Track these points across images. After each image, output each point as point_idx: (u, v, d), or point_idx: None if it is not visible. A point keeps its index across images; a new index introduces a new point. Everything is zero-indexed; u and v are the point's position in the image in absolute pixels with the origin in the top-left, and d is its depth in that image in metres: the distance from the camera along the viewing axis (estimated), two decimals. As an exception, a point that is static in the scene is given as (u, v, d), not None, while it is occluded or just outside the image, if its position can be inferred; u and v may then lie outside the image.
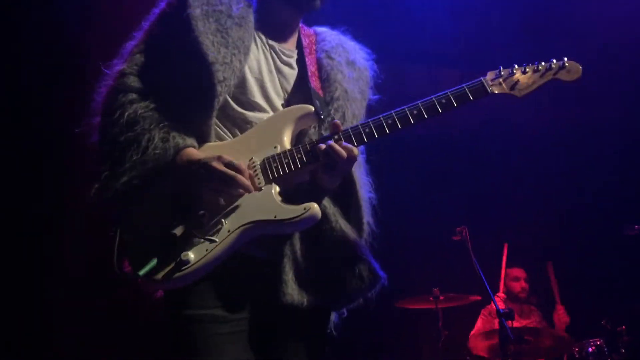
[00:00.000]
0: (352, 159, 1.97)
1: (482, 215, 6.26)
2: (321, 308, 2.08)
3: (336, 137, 1.99)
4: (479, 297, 5.48)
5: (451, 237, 5.24)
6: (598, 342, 5.08)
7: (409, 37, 5.48)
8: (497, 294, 5.95)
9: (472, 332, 5.80)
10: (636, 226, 5.11)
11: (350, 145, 1.97)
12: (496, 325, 5.66)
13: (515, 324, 5.23)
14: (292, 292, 1.98)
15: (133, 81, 2.02)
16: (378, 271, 2.11)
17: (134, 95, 2.00)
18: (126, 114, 1.96)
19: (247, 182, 1.92)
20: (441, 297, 5.25)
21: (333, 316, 2.22)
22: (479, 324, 5.90)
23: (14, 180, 4.39)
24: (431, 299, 5.25)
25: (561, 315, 5.94)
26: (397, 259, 2.15)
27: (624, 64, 5.85)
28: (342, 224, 2.09)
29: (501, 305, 5.54)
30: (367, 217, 2.16)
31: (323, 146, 1.96)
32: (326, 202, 2.08)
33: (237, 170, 1.90)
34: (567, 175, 6.57)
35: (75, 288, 4.50)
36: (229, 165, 1.90)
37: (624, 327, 5.14)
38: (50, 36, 4.45)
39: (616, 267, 6.24)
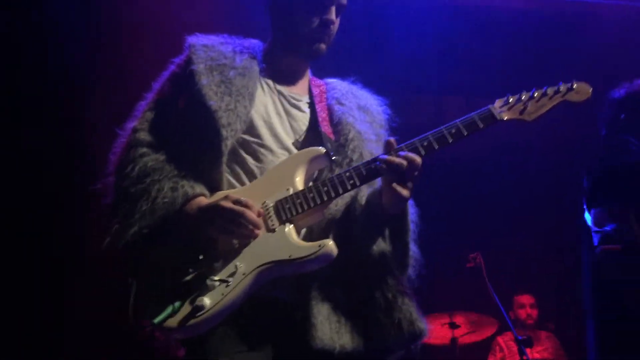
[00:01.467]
0: (415, 166, 1.94)
1: (495, 241, 6.24)
2: (354, 358, 1.98)
3: (392, 153, 1.99)
4: (496, 323, 5.43)
5: (465, 265, 5.24)
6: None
7: (411, 68, 5.54)
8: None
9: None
10: None
11: (411, 154, 1.95)
12: (514, 354, 5.62)
13: (530, 354, 5.16)
14: (323, 336, 1.91)
15: (144, 135, 2.09)
16: (421, 322, 2.01)
17: (144, 149, 2.06)
18: (137, 167, 2.01)
19: (256, 218, 1.94)
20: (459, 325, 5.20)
21: None
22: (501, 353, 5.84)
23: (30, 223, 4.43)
24: (447, 326, 5.19)
25: None
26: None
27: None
28: (388, 260, 2.05)
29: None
30: (413, 245, 2.12)
31: (381, 160, 1.95)
32: (370, 238, 2.05)
33: (245, 206, 1.92)
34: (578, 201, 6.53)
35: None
36: (237, 202, 1.92)
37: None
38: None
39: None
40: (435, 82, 5.88)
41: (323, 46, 2.21)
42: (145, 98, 2.19)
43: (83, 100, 4.61)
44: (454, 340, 5.26)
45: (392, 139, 2.02)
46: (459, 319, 5.28)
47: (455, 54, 5.58)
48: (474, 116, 2.03)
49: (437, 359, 5.58)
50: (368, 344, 1.98)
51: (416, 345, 2.05)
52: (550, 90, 2.05)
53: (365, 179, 2.01)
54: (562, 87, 2.05)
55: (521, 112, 2.04)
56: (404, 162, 1.94)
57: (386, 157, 1.96)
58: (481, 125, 2.01)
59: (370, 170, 2.00)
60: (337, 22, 2.23)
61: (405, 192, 1.97)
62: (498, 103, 2.06)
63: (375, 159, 2.00)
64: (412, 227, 2.13)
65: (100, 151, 2.22)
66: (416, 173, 1.97)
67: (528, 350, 4.66)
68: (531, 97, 2.05)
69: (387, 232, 2.10)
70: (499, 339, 5.94)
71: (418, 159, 1.96)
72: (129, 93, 2.29)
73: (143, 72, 2.29)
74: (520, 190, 6.48)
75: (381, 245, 2.08)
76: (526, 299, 6.08)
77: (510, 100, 2.06)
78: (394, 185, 1.95)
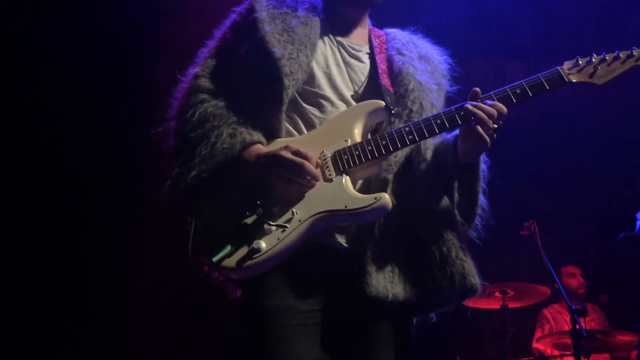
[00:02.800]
0: (502, 116, 1.95)
1: (551, 210, 6.12)
2: (406, 309, 2.02)
3: (479, 101, 1.99)
4: (547, 290, 5.37)
5: (519, 232, 5.16)
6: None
7: (475, 29, 5.42)
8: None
9: (536, 336, 5.70)
10: None
11: (498, 104, 1.96)
12: (560, 325, 5.57)
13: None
14: (377, 284, 1.94)
15: (205, 82, 2.12)
16: (474, 277, 2.01)
17: (205, 95, 2.09)
18: (197, 112, 2.05)
19: (315, 170, 1.96)
20: (510, 292, 5.18)
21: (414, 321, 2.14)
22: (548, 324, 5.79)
23: (93, 185, 4.59)
24: (498, 294, 5.18)
25: None
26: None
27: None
28: (448, 214, 2.06)
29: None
30: (482, 197, 2.12)
31: (470, 107, 1.95)
32: (432, 191, 2.06)
33: (305, 157, 1.95)
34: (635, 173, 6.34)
35: (156, 287, 4.66)
36: (297, 153, 1.95)
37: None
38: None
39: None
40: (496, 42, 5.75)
41: None
42: (207, 45, 2.22)
43: (146, 47, 4.71)
44: (503, 306, 5.22)
45: (477, 89, 2.01)
46: (509, 288, 5.23)
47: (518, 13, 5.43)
48: (540, 77, 1.99)
49: (486, 322, 5.57)
50: (420, 295, 2.01)
51: (467, 299, 2.06)
52: (622, 54, 2.00)
53: (425, 135, 2.00)
54: (636, 52, 1.99)
55: (591, 75, 1.99)
56: (494, 111, 1.94)
57: (476, 104, 1.95)
58: (548, 87, 1.97)
59: (429, 125, 1.98)
60: None
61: (487, 140, 1.97)
62: (567, 65, 2.01)
63: (459, 107, 1.99)
64: (482, 176, 2.13)
65: (162, 95, 2.26)
66: (501, 123, 1.97)
67: (581, 320, 4.58)
68: (602, 60, 2.00)
69: (456, 184, 2.09)
70: (545, 312, 5.90)
71: (505, 109, 1.95)
72: (191, 40, 2.33)
73: (205, 20, 2.31)
74: (582, 160, 6.33)
75: (443, 198, 2.08)
76: (574, 270, 6.00)
77: (580, 62, 2.01)
78: (479, 131, 1.94)
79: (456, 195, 2.09)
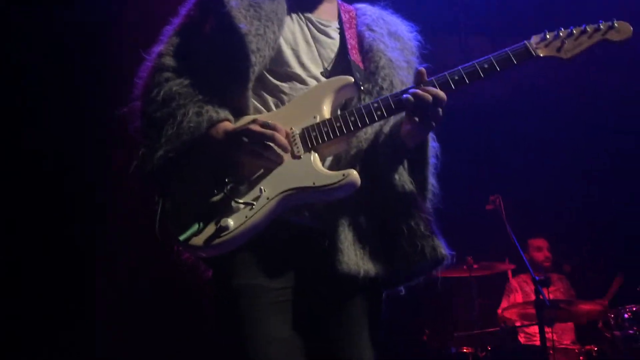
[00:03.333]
0: (440, 101, 1.93)
1: (515, 184, 6.23)
2: (375, 284, 2.02)
3: (420, 85, 1.97)
4: (512, 266, 5.50)
5: (485, 207, 5.25)
6: (634, 309, 5.07)
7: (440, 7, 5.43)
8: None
9: (502, 306, 5.84)
10: None
11: (435, 89, 1.93)
12: (528, 294, 5.71)
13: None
14: (349, 260, 1.93)
15: (169, 60, 2.08)
16: (443, 248, 2.01)
17: (169, 74, 2.06)
18: (162, 91, 2.01)
19: (285, 141, 1.95)
20: (475, 266, 5.29)
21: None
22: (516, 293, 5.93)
23: (57, 168, 4.49)
24: (465, 267, 5.29)
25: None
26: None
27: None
28: (409, 191, 2.05)
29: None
30: (432, 178, 2.12)
31: (408, 95, 1.92)
32: (393, 168, 2.05)
33: (274, 129, 1.93)
34: (599, 145, 6.48)
35: (124, 272, 4.62)
36: (265, 125, 1.93)
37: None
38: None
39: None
40: (463, 19, 5.78)
41: None
42: (171, 23, 2.18)
43: (109, 26, 4.61)
44: (470, 278, 5.34)
45: (422, 69, 2.00)
46: (475, 265, 5.33)
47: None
48: (507, 51, 1.98)
49: (454, 294, 5.68)
50: (391, 269, 2.02)
51: (436, 271, 2.07)
52: (589, 28, 1.99)
53: (393, 111, 2.00)
54: (603, 25, 1.98)
55: (558, 50, 1.99)
56: (429, 97, 1.92)
57: (413, 90, 1.94)
58: (515, 61, 1.97)
59: (398, 101, 1.98)
60: None
61: (424, 127, 1.96)
62: (534, 39, 2.01)
63: (403, 91, 1.98)
64: (432, 161, 2.13)
65: (126, 76, 2.23)
66: (440, 109, 1.95)
67: (545, 290, 4.71)
68: (570, 35, 1.99)
69: (406, 164, 2.10)
70: (513, 281, 6.03)
71: (442, 95, 1.93)
72: (156, 18, 2.29)
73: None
74: (544, 134, 6.44)
75: (404, 175, 2.09)
76: (542, 242, 6.14)
77: (548, 36, 2.00)
78: (414, 118, 1.94)
79: (409, 176, 2.09)
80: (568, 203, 6.53)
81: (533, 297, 4.91)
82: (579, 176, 6.49)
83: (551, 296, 5.69)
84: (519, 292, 5.94)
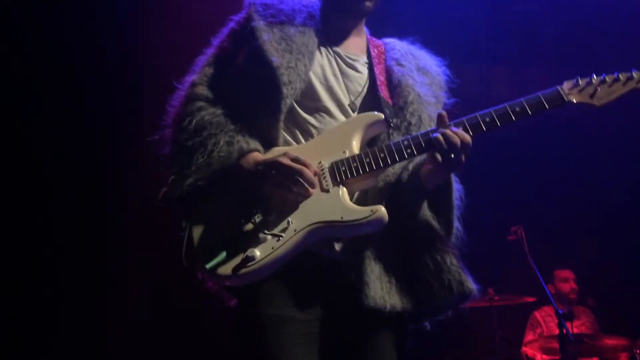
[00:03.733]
0: (466, 146, 1.93)
1: (537, 215, 6.17)
2: (403, 318, 2.03)
3: (444, 127, 1.97)
4: (533, 299, 5.41)
5: (506, 237, 5.20)
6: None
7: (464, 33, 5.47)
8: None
9: (526, 340, 5.74)
10: None
11: (463, 133, 1.94)
12: (551, 328, 5.60)
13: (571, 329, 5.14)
14: (375, 295, 1.94)
15: (202, 90, 2.12)
16: (470, 282, 2.02)
17: (202, 103, 2.09)
18: (195, 120, 2.05)
19: (313, 177, 1.96)
20: (496, 298, 5.21)
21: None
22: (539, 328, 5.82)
23: (78, 186, 4.55)
24: (486, 299, 5.21)
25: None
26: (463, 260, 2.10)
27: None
28: (434, 227, 2.06)
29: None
30: (456, 222, 2.11)
31: (438, 134, 1.93)
32: (417, 206, 2.06)
33: (304, 164, 1.95)
34: (622, 177, 6.42)
35: (143, 294, 4.64)
36: (296, 160, 1.95)
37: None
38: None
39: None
40: (484, 49, 5.80)
41: (369, 4, 2.20)
42: (204, 53, 2.22)
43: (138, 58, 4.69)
44: (491, 307, 5.26)
45: (443, 112, 2.01)
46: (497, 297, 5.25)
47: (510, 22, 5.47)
48: (540, 96, 1.99)
49: (475, 319, 5.58)
50: (417, 304, 2.01)
51: (463, 305, 2.06)
52: (622, 76, 2.00)
53: (423, 149, 2.00)
54: (636, 74, 2.00)
55: (591, 96, 1.99)
56: (458, 140, 1.92)
57: (443, 130, 1.94)
58: (547, 106, 1.98)
59: (429, 140, 1.98)
60: None
61: (445, 169, 1.97)
62: (567, 85, 2.02)
63: (433, 130, 1.99)
64: (456, 203, 2.12)
65: (156, 104, 2.26)
66: (464, 154, 1.95)
67: (568, 324, 4.62)
68: (602, 82, 2.01)
69: (428, 204, 2.09)
70: (536, 314, 5.93)
71: (468, 139, 1.94)
72: (186, 49, 2.33)
73: (201, 29, 2.31)
74: (566, 162, 6.39)
75: (427, 212, 2.08)
76: (568, 274, 6.04)
77: (580, 82, 2.01)
78: (438, 159, 1.94)
79: (433, 215, 2.09)
80: (593, 234, 6.44)
81: (557, 332, 4.81)
82: (604, 205, 6.42)
83: (576, 330, 5.60)
84: (543, 325, 5.82)
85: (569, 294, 5.97)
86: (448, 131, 1.94)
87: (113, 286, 4.64)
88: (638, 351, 5.01)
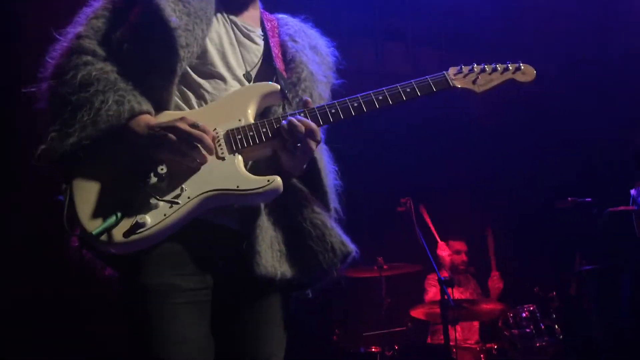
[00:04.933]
0: (311, 134, 1.97)
1: (426, 187, 6.44)
2: (291, 285, 2.08)
3: (301, 114, 2.01)
4: (419, 267, 5.68)
5: (396, 208, 5.40)
6: (531, 308, 5.37)
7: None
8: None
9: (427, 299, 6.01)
10: (569, 199, 5.39)
11: (310, 122, 1.98)
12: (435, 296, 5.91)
13: (455, 295, 5.45)
14: (266, 263, 1.96)
15: (90, 43, 1.97)
16: (349, 244, 2.11)
17: (89, 57, 1.95)
18: (80, 74, 1.91)
19: (212, 144, 1.92)
20: (385, 267, 5.41)
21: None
22: (431, 293, 6.11)
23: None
24: (375, 267, 5.40)
25: (495, 281, 6.23)
26: (342, 229, 2.19)
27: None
28: (311, 199, 2.10)
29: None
30: (333, 203, 2.18)
31: (285, 122, 1.97)
32: (295, 179, 2.09)
33: (203, 131, 1.90)
34: (507, 150, 6.84)
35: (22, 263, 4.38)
36: (194, 125, 1.89)
37: (554, 293, 5.46)
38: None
39: (548, 237, 6.58)
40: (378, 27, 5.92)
41: None
42: (90, 5, 2.07)
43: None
44: (380, 277, 5.46)
45: (307, 99, 2.06)
46: (385, 265, 5.45)
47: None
48: (428, 79, 2.11)
49: (364, 290, 5.78)
50: (306, 270, 2.06)
51: (343, 267, 2.13)
52: (500, 67, 2.20)
53: (318, 123, 2.03)
54: (511, 66, 2.20)
55: (473, 82, 2.17)
56: (302, 130, 1.96)
57: (289, 119, 1.96)
58: (435, 89, 2.11)
59: (324, 114, 2.03)
60: None
61: (294, 157, 2.00)
62: (452, 70, 2.18)
63: (291, 114, 2.01)
64: (332, 184, 2.20)
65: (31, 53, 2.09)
66: (313, 141, 1.99)
67: (449, 290, 4.89)
68: (482, 70, 2.19)
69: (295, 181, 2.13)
70: (430, 278, 6.20)
71: (313, 126, 1.97)
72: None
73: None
74: (459, 139, 6.70)
75: (302, 184, 2.13)
76: (461, 245, 6.37)
77: (463, 69, 2.18)
78: (282, 150, 1.99)
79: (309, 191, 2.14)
80: (480, 205, 6.81)
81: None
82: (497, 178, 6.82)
83: (461, 296, 5.94)
84: (429, 293, 6.12)
85: (459, 265, 6.31)
86: (293, 120, 1.96)
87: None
88: (510, 314, 5.41)
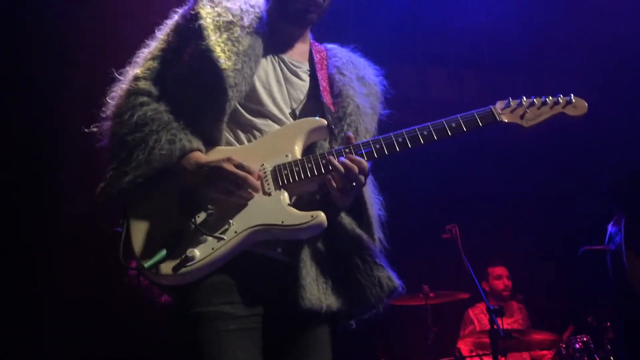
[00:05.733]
0: (362, 171, 2.00)
1: (472, 213, 6.35)
2: (334, 317, 2.09)
3: (347, 150, 2.03)
4: (467, 295, 5.57)
5: (441, 235, 5.32)
6: (585, 339, 5.19)
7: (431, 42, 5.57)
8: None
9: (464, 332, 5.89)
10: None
11: (360, 159, 2.01)
12: (484, 325, 5.78)
13: (501, 324, 5.30)
14: (311, 296, 1.99)
15: (145, 84, 2.08)
16: (396, 279, 2.12)
17: (145, 98, 2.05)
18: (136, 115, 2.01)
19: (257, 183, 1.98)
20: (431, 295, 5.33)
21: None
22: (472, 325, 5.98)
23: (11, 178, 4.37)
24: (421, 295, 5.33)
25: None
26: (387, 256, 2.20)
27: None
28: (358, 231, 2.12)
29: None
30: (378, 233, 2.19)
31: (334, 160, 2.00)
32: (342, 212, 2.11)
33: (247, 171, 1.95)
34: (555, 173, 6.70)
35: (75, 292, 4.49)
36: (239, 166, 1.94)
37: (608, 323, 5.26)
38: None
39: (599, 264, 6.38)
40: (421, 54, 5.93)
41: (313, 16, 2.22)
42: (147, 45, 2.18)
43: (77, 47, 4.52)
44: (426, 305, 5.37)
45: (350, 134, 2.07)
46: (431, 293, 5.37)
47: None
48: (474, 113, 2.09)
49: (410, 318, 5.69)
50: (352, 303, 2.08)
51: (388, 302, 2.14)
52: (550, 100, 2.12)
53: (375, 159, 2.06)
54: (562, 99, 2.12)
55: (521, 117, 2.11)
56: (354, 167, 1.98)
57: (344, 161, 1.98)
58: (481, 124, 2.08)
59: (377, 148, 2.04)
60: None
61: (345, 194, 2.02)
62: (499, 104, 2.13)
63: (336, 150, 2.03)
64: (377, 215, 2.21)
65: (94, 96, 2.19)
66: (363, 176, 2.01)
67: (499, 320, 4.77)
68: (531, 104, 2.12)
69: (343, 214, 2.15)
70: (470, 312, 6.09)
71: (364, 164, 2.00)
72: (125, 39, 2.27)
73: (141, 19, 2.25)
74: (498, 166, 6.60)
75: (351, 220, 2.15)
76: (502, 271, 6.22)
77: (512, 103, 2.13)
78: (332, 183, 1.99)
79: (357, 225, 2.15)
80: (526, 232, 6.67)
81: (487, 329, 4.96)
82: (535, 203, 6.68)
83: (510, 326, 5.79)
84: (476, 323, 5.99)
85: (503, 290, 6.15)
86: (346, 162, 1.98)
87: (46, 286, 4.48)
88: (563, 345, 5.24)
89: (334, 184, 2.00)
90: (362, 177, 2.01)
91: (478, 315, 6.01)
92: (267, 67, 2.19)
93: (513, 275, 6.25)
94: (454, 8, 5.60)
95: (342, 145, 2.07)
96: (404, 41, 5.66)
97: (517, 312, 6.14)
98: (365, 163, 2.01)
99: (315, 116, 2.13)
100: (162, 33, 2.18)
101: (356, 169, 1.98)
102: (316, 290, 2.01)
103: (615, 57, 5.88)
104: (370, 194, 2.22)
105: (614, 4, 5.60)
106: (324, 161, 2.03)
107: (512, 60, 6.18)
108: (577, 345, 5.13)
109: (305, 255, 2.04)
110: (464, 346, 5.58)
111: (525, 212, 6.74)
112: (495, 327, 4.75)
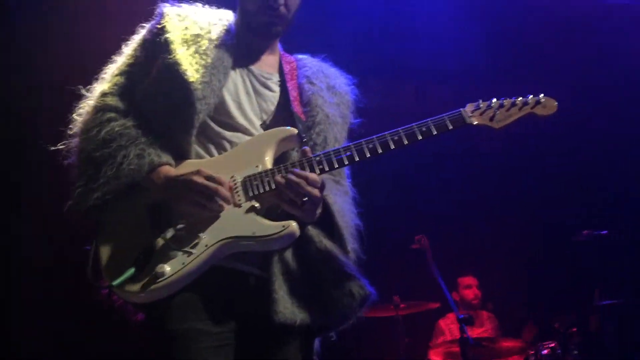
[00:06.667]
0: (313, 184, 1.96)
1: (441, 223, 6.41)
2: (310, 330, 2.07)
3: (318, 158, 2.02)
4: (437, 305, 5.62)
5: (410, 246, 5.36)
6: (552, 345, 5.27)
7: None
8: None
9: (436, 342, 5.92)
10: (584, 232, 5.35)
11: (306, 173, 1.97)
12: (455, 335, 5.82)
13: (472, 333, 5.35)
14: (284, 310, 1.97)
15: (112, 100, 2.07)
16: (368, 287, 2.10)
17: (112, 114, 2.04)
18: (103, 131, 2.00)
19: (228, 195, 1.96)
20: (402, 305, 5.36)
21: (316, 343, 2.19)
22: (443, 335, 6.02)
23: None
24: (392, 307, 5.35)
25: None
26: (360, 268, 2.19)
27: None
28: (328, 244, 2.09)
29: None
30: (351, 244, 2.15)
31: (278, 177, 1.97)
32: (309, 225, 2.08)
33: (218, 183, 1.94)
34: (522, 183, 6.81)
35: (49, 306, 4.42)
36: (210, 178, 1.93)
37: (575, 329, 5.36)
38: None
39: (565, 272, 6.50)
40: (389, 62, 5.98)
41: (278, 28, 2.22)
42: (114, 61, 2.16)
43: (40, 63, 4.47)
44: (397, 316, 5.39)
45: (307, 149, 2.05)
46: (402, 304, 5.39)
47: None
48: (445, 117, 2.09)
49: (381, 329, 5.71)
50: (325, 315, 2.06)
51: (362, 311, 2.12)
52: (519, 101, 2.13)
53: (334, 166, 2.04)
54: (531, 100, 2.13)
55: (491, 119, 2.11)
56: (300, 181, 1.94)
57: (288, 177, 1.95)
58: (451, 127, 2.07)
59: (339, 160, 2.02)
60: (291, 2, 2.18)
61: (297, 209, 1.98)
62: (469, 107, 2.13)
63: (292, 164, 2.01)
64: (352, 225, 2.18)
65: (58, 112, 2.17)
66: (316, 189, 1.97)
67: (468, 329, 4.82)
68: (501, 106, 2.13)
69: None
70: (440, 323, 6.13)
71: (316, 178, 1.96)
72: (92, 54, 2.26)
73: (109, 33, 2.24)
74: (467, 175, 6.69)
75: (321, 234, 2.11)
76: (471, 280, 6.29)
77: (481, 105, 2.13)
78: (291, 206, 1.97)
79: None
80: (497, 241, 6.77)
81: (458, 338, 5.01)
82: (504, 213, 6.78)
83: (481, 335, 5.84)
84: (447, 333, 6.03)
85: (472, 300, 6.21)
86: (291, 177, 1.94)
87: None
88: (531, 352, 5.32)
89: (283, 199, 1.97)
90: (314, 190, 1.96)
91: (449, 326, 6.06)
92: (236, 79, 2.19)
93: (483, 284, 6.33)
94: (420, 18, 5.68)
95: (302, 157, 2.05)
96: (369, 52, 5.71)
97: (487, 322, 6.20)
98: (314, 176, 1.96)
99: (287, 126, 2.13)
100: (129, 48, 2.18)
101: (303, 183, 1.94)
102: (290, 304, 1.99)
103: (584, 64, 6.01)
104: (342, 204, 2.19)
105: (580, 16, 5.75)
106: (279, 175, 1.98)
107: (481, 67, 6.24)
108: (545, 352, 5.22)
109: (277, 268, 2.02)
110: (435, 356, 5.60)
111: (493, 221, 6.82)
112: (465, 335, 4.80)
